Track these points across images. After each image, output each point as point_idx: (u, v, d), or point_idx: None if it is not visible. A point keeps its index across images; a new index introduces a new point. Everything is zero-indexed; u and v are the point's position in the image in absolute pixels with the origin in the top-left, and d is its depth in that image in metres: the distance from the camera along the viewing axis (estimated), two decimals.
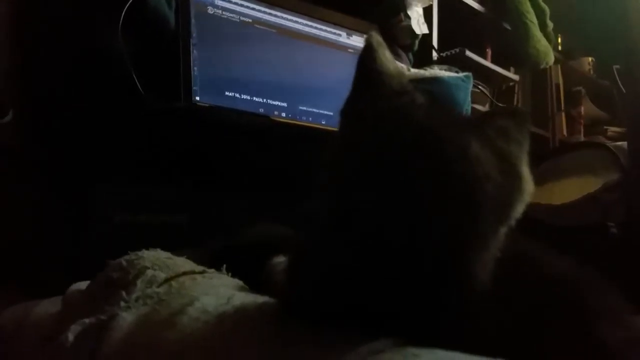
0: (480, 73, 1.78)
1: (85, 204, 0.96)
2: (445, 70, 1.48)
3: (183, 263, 0.56)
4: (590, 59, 2.34)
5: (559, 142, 2.21)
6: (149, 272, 0.49)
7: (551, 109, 2.15)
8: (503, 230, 0.37)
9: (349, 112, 0.40)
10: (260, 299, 0.43)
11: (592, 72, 2.35)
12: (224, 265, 0.57)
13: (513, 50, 1.92)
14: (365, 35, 1.35)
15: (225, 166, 1.03)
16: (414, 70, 1.43)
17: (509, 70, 2.04)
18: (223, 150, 1.02)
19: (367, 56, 0.40)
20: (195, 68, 1.08)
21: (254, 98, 1.15)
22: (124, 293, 0.47)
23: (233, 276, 0.58)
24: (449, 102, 1.40)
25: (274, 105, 1.18)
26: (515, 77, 2.00)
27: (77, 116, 0.98)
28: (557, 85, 2.19)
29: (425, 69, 1.47)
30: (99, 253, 0.92)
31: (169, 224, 1.00)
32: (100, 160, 0.98)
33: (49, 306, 0.66)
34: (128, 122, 0.98)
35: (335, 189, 0.38)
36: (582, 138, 2.24)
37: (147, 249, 0.88)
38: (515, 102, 2.09)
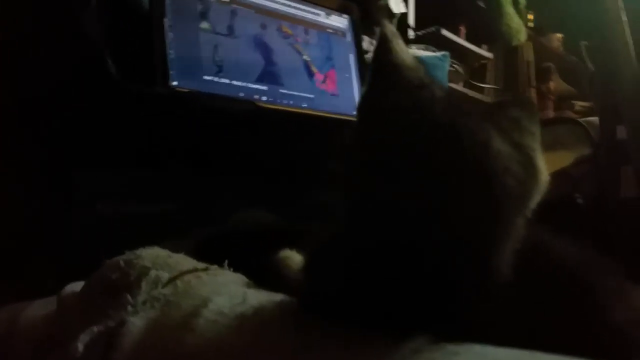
0: (455, 51, 1.79)
1: (66, 194, 0.93)
2: (422, 49, 1.48)
3: (183, 261, 0.54)
4: (559, 35, 2.39)
5: None
6: (153, 273, 0.48)
7: (522, 85, 2.19)
8: (521, 221, 0.37)
9: (366, 106, 0.39)
10: (275, 297, 0.42)
11: (561, 48, 2.39)
12: (226, 261, 0.56)
13: (486, 28, 1.93)
14: (344, 15, 1.33)
15: (209, 153, 1.01)
16: None
17: (481, 48, 2.06)
18: (207, 136, 1.00)
19: (382, 48, 0.39)
20: (171, 51, 1.05)
21: (233, 82, 1.12)
22: (129, 296, 0.45)
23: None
24: None
25: (254, 88, 1.15)
26: (489, 55, 2.02)
27: (52, 101, 0.94)
28: (528, 62, 2.23)
29: None
30: (84, 245, 0.90)
31: (153, 213, 0.98)
32: (80, 148, 0.95)
33: (39, 308, 0.63)
34: (106, 108, 0.95)
35: (356, 185, 0.37)
36: (551, 113, 2.29)
37: (133, 239, 0.86)
38: (487, 80, 2.11)
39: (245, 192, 1.02)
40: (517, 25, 1.94)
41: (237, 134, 1.02)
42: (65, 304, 0.55)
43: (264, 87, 1.17)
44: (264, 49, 1.20)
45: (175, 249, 0.62)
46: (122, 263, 0.52)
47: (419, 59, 1.23)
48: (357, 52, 1.37)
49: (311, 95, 1.24)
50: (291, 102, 1.21)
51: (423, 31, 1.70)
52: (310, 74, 1.27)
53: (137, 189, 0.98)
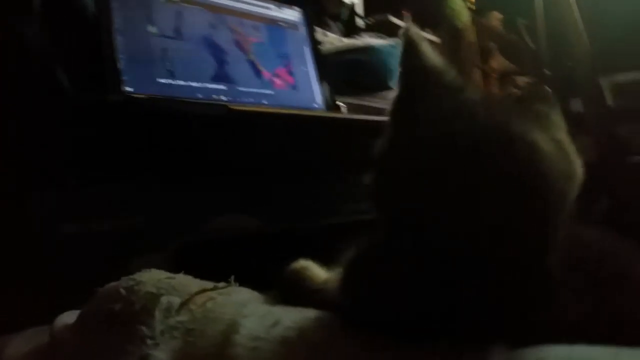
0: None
1: (25, 215, 0.86)
2: (374, 37, 1.48)
3: (186, 281, 0.51)
4: (498, 14, 2.46)
5: None
6: (164, 299, 0.44)
7: (467, 66, 2.24)
8: (564, 217, 0.37)
9: (403, 114, 0.37)
10: (308, 313, 0.40)
11: (501, 27, 2.46)
12: (232, 276, 0.53)
13: (430, 12, 1.96)
14: (296, 7, 1.30)
15: (178, 161, 0.96)
16: (346, 40, 1.42)
17: (425, 32, 2.08)
18: (174, 144, 0.95)
19: (411, 53, 0.37)
20: (122, 56, 0.99)
21: (190, 83, 1.08)
22: (144, 328, 0.41)
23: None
24: (384, 70, 1.41)
25: (213, 88, 1.11)
26: (436, 39, 2.05)
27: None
28: (471, 43, 2.28)
29: (356, 38, 1.46)
30: (49, 269, 0.83)
31: (121, 229, 0.93)
32: (35, 167, 0.88)
33: (21, 344, 0.58)
34: (61, 122, 0.88)
35: (399, 196, 0.35)
36: (496, 90, 2.36)
37: (104, 258, 0.81)
38: None
39: (222, 197, 0.99)
40: (459, 8, 1.98)
41: (206, 138, 0.98)
42: (58, 338, 0.50)
43: (223, 87, 1.13)
44: (216, 47, 1.15)
45: (155, 264, 0.59)
46: (122, 291, 0.48)
47: (373, 48, 1.23)
48: (312, 45, 1.35)
49: (271, 92, 1.21)
50: (251, 99, 1.18)
51: (372, 19, 1.70)
52: (267, 70, 1.23)
53: (101, 205, 0.92)
